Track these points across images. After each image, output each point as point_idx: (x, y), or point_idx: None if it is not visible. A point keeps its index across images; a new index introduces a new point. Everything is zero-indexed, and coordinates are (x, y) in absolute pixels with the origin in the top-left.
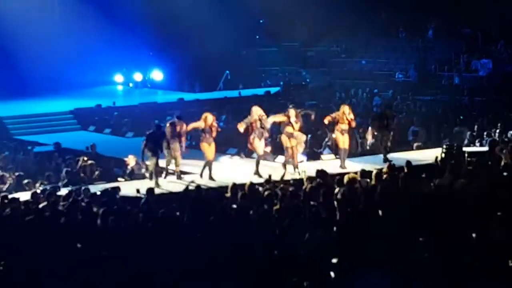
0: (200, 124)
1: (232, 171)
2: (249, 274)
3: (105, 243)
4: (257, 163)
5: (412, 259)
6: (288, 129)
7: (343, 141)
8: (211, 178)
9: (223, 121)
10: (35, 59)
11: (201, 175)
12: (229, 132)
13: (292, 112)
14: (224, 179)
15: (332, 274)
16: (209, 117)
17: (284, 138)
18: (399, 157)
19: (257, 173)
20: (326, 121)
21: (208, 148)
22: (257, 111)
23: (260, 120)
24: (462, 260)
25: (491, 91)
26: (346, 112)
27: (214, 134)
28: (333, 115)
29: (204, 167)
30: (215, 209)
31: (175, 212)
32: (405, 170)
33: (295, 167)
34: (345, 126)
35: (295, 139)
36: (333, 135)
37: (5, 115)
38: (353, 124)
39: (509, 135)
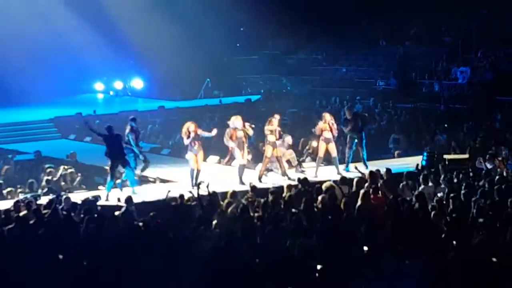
0: (185, 135)
1: (214, 178)
2: (231, 282)
3: (87, 252)
4: (240, 172)
5: (393, 266)
6: (271, 138)
7: (331, 150)
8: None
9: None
10: (15, 67)
11: (192, 186)
12: (210, 140)
13: (275, 121)
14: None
15: (316, 280)
16: (191, 126)
17: (268, 147)
18: (380, 164)
19: (241, 182)
20: (317, 132)
21: (194, 158)
22: (238, 120)
23: (243, 129)
24: (442, 267)
25: (471, 98)
26: (327, 119)
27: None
28: (319, 125)
29: (193, 176)
30: (198, 216)
31: (156, 220)
32: (385, 177)
33: (284, 174)
34: (328, 134)
35: (280, 151)
36: (314, 143)
37: None
38: (335, 131)
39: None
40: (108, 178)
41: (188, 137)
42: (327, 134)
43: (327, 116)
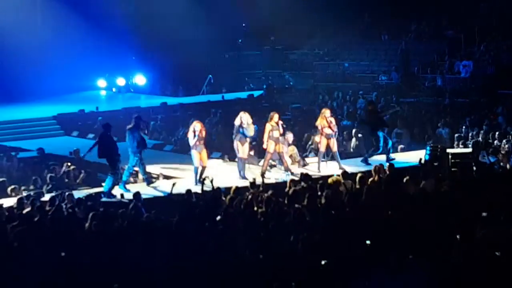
0: (191, 134)
1: (217, 175)
2: (235, 277)
3: (89, 249)
4: (240, 167)
5: (396, 261)
6: (275, 133)
7: (332, 145)
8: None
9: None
10: (18, 65)
11: (196, 183)
12: (213, 136)
13: (276, 116)
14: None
15: (320, 275)
16: (197, 126)
17: (271, 143)
18: (383, 159)
19: (241, 176)
20: (319, 127)
21: (198, 156)
22: (242, 117)
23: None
24: (446, 262)
25: (474, 92)
26: (327, 115)
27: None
28: (318, 121)
29: (197, 173)
30: (201, 212)
31: (162, 216)
32: (388, 172)
33: (287, 169)
34: (329, 130)
35: (284, 146)
36: (316, 139)
37: None
38: (334, 128)
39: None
40: (109, 175)
41: (194, 136)
42: (328, 130)
43: (327, 113)
